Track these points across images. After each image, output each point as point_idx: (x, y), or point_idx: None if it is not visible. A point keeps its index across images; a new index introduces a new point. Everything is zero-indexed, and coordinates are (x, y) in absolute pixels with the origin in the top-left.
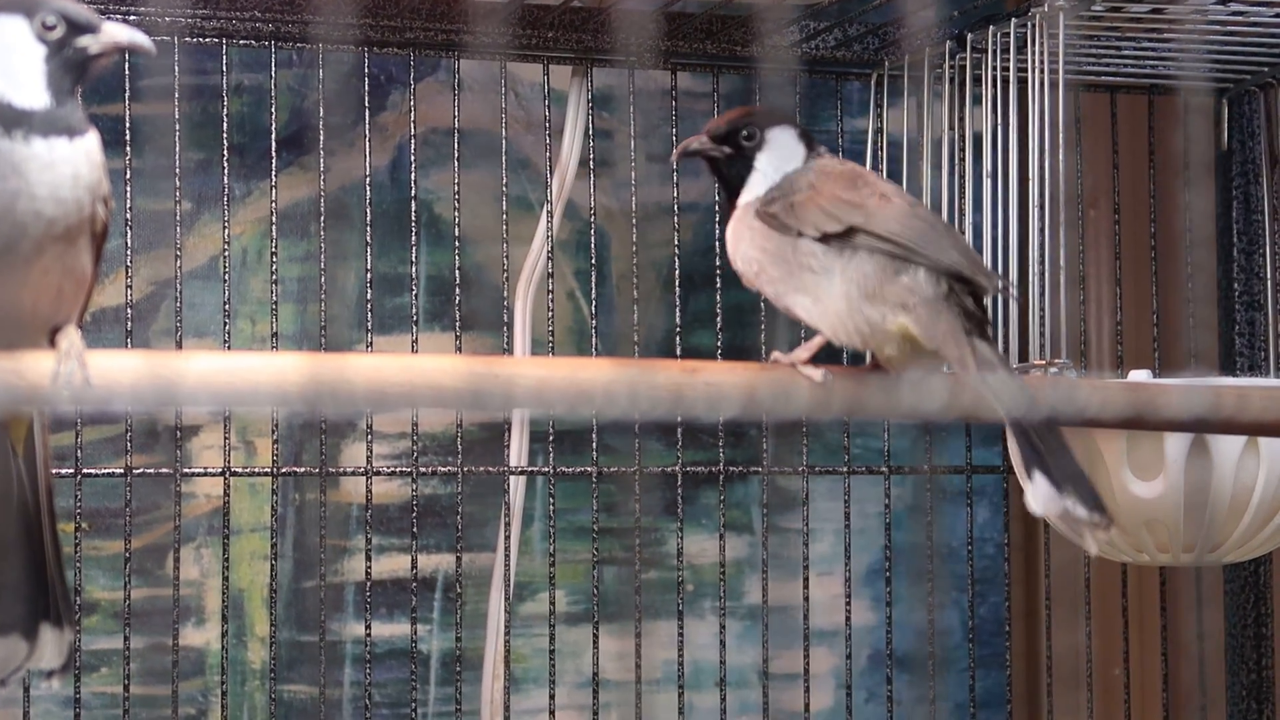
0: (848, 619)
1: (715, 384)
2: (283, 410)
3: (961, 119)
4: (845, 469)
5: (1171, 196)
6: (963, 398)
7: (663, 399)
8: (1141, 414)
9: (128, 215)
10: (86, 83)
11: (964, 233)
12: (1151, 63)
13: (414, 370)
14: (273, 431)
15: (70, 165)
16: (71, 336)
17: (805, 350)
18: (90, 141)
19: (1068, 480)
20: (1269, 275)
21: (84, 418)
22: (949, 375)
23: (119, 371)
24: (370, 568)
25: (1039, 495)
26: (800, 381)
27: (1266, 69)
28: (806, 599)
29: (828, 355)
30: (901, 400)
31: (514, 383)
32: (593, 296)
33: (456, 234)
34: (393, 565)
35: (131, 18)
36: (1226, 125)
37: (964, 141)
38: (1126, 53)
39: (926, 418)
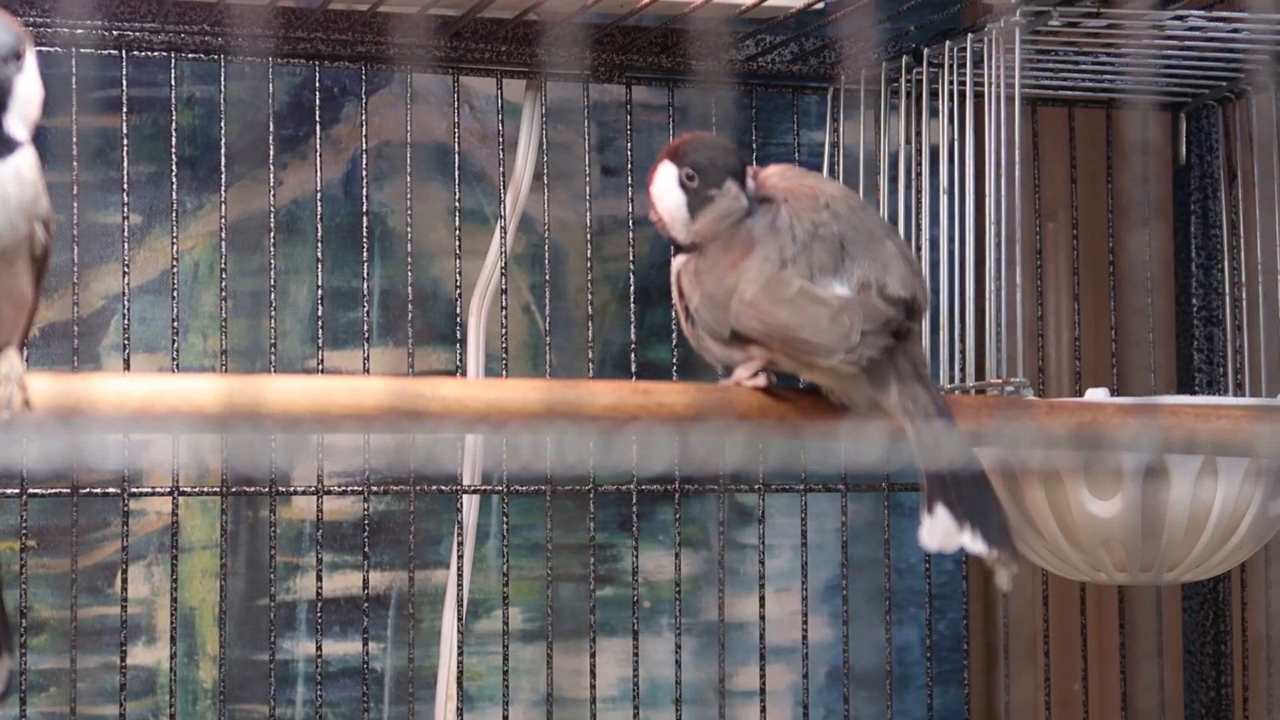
0: (804, 636)
1: (667, 407)
2: (203, 433)
3: (918, 133)
4: (802, 486)
5: (1129, 212)
6: (902, 441)
7: (591, 428)
8: (1088, 446)
9: (74, 230)
10: (12, 102)
11: (919, 249)
12: (1109, 77)
13: (333, 393)
14: (223, 449)
15: None
16: (11, 359)
17: (745, 369)
18: (21, 160)
19: (972, 515)
20: (1227, 291)
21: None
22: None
23: (46, 396)
24: (321, 586)
25: (935, 530)
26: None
27: (1224, 84)
28: (763, 616)
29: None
30: (839, 436)
31: (433, 406)
32: (547, 311)
33: (409, 248)
34: (345, 583)
35: (79, 30)
36: (1185, 140)
37: (920, 156)
38: (1084, 68)
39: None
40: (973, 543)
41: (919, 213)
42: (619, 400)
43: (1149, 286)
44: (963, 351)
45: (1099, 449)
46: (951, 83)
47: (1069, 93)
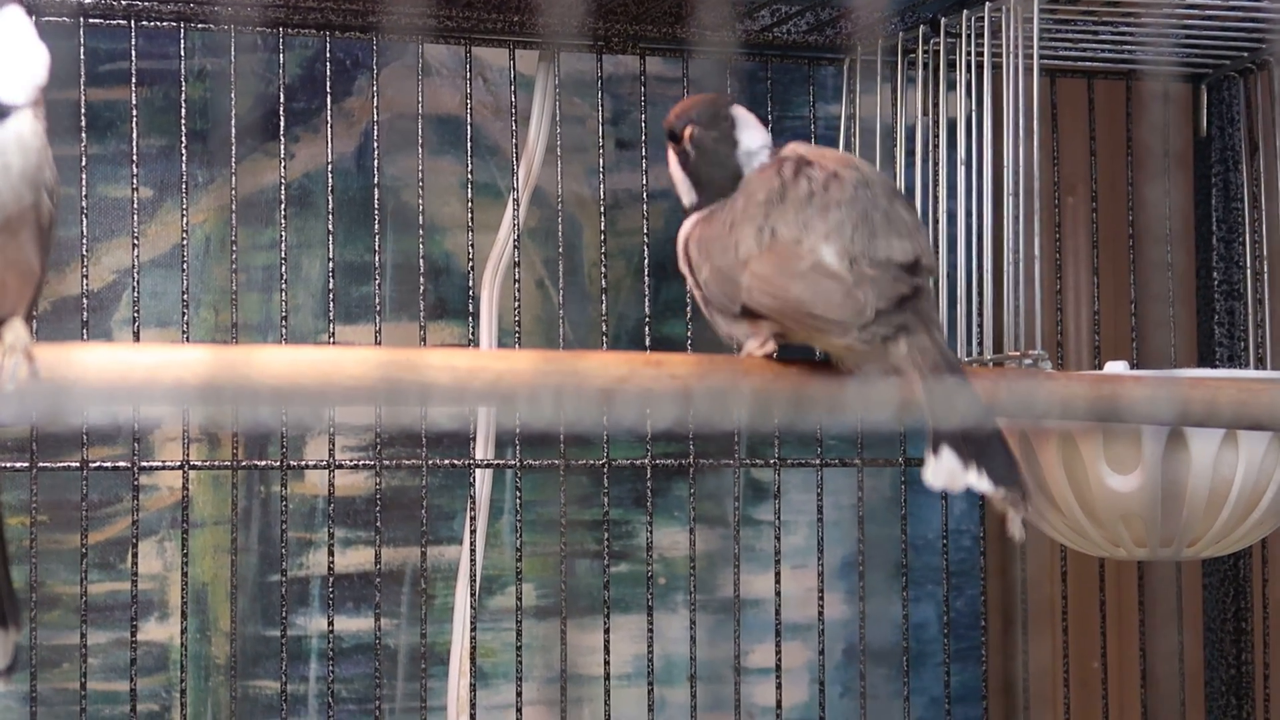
0: (821, 613)
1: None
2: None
3: (935, 105)
4: (818, 461)
5: (1149, 184)
6: (913, 402)
7: (592, 399)
8: (1106, 415)
9: (83, 203)
10: None
11: (936, 222)
12: (1129, 48)
13: (325, 364)
14: (233, 423)
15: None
16: (17, 330)
17: (754, 340)
18: (21, 124)
19: (978, 454)
20: (1248, 264)
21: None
22: (898, 379)
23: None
24: (334, 562)
25: (940, 470)
26: (740, 383)
27: (1246, 54)
28: (779, 593)
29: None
30: (847, 402)
31: (429, 377)
32: (561, 285)
33: (421, 222)
34: (358, 559)
35: (87, 0)
36: (1206, 111)
37: (938, 128)
38: (1103, 38)
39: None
40: (979, 481)
41: (936, 185)
42: (630, 371)
43: (1169, 260)
44: (980, 324)
45: (1117, 418)
46: (969, 53)
47: (1088, 63)
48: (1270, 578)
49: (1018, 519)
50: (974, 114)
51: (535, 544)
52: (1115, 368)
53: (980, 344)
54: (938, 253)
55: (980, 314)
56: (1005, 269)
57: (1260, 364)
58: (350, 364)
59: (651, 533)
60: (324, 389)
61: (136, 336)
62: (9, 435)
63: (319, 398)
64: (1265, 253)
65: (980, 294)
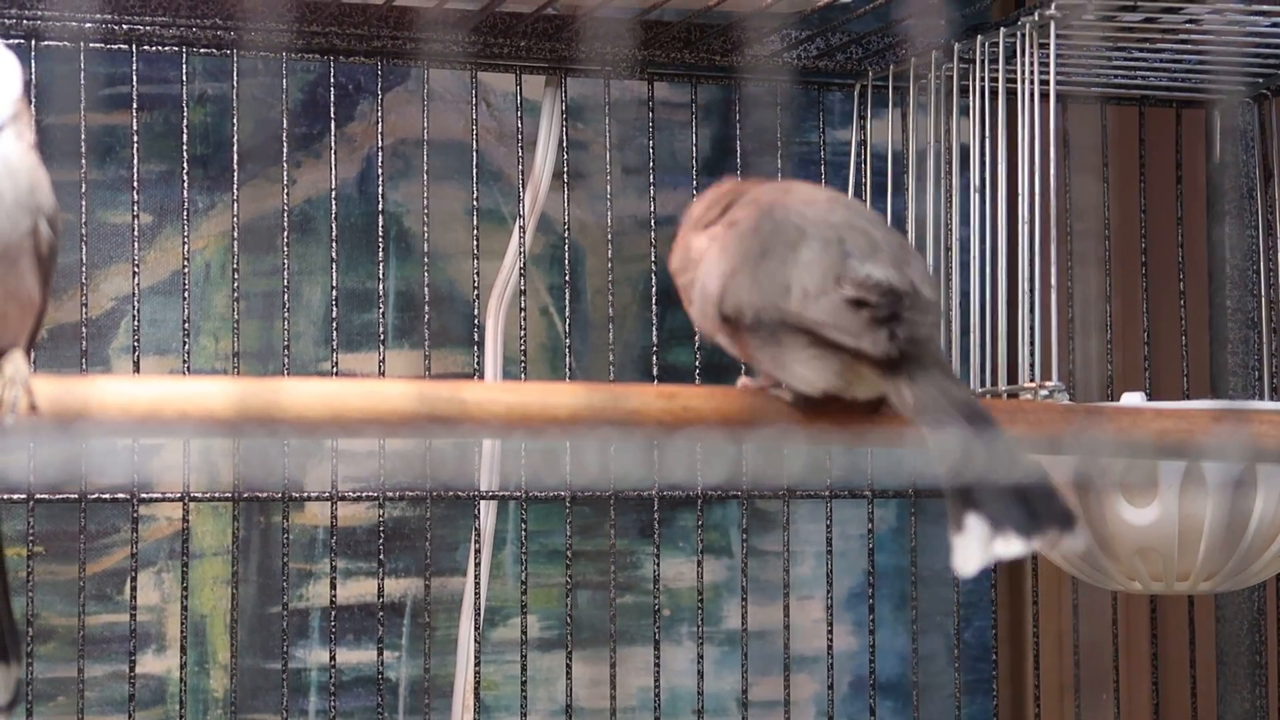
0: (830, 645)
1: (694, 411)
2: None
3: (948, 131)
4: (827, 492)
5: (1163, 212)
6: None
7: (640, 435)
8: (1173, 454)
9: (83, 229)
10: None
11: (948, 249)
12: (1143, 74)
13: (352, 397)
14: (234, 454)
15: None
16: (17, 362)
17: (752, 381)
18: (3, 146)
19: (1007, 509)
20: (1263, 292)
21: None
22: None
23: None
24: (335, 594)
25: (970, 548)
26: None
27: (1261, 80)
28: (788, 625)
29: None
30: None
31: (466, 411)
32: (567, 313)
33: (426, 249)
34: (358, 590)
35: (88, 25)
36: (1219, 138)
37: (950, 154)
38: (1117, 64)
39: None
40: (1007, 546)
41: (949, 213)
42: (642, 405)
43: (1180, 290)
44: (994, 355)
45: (1186, 457)
46: (983, 79)
47: (1102, 90)
48: None
49: (1068, 544)
50: (987, 140)
51: (538, 575)
52: (1132, 399)
53: (994, 374)
54: (949, 281)
55: (994, 344)
56: (1020, 298)
57: (1275, 394)
58: (388, 397)
59: (659, 564)
60: (356, 422)
61: (136, 365)
62: (6, 466)
63: (353, 430)
64: (1279, 280)
65: (994, 324)
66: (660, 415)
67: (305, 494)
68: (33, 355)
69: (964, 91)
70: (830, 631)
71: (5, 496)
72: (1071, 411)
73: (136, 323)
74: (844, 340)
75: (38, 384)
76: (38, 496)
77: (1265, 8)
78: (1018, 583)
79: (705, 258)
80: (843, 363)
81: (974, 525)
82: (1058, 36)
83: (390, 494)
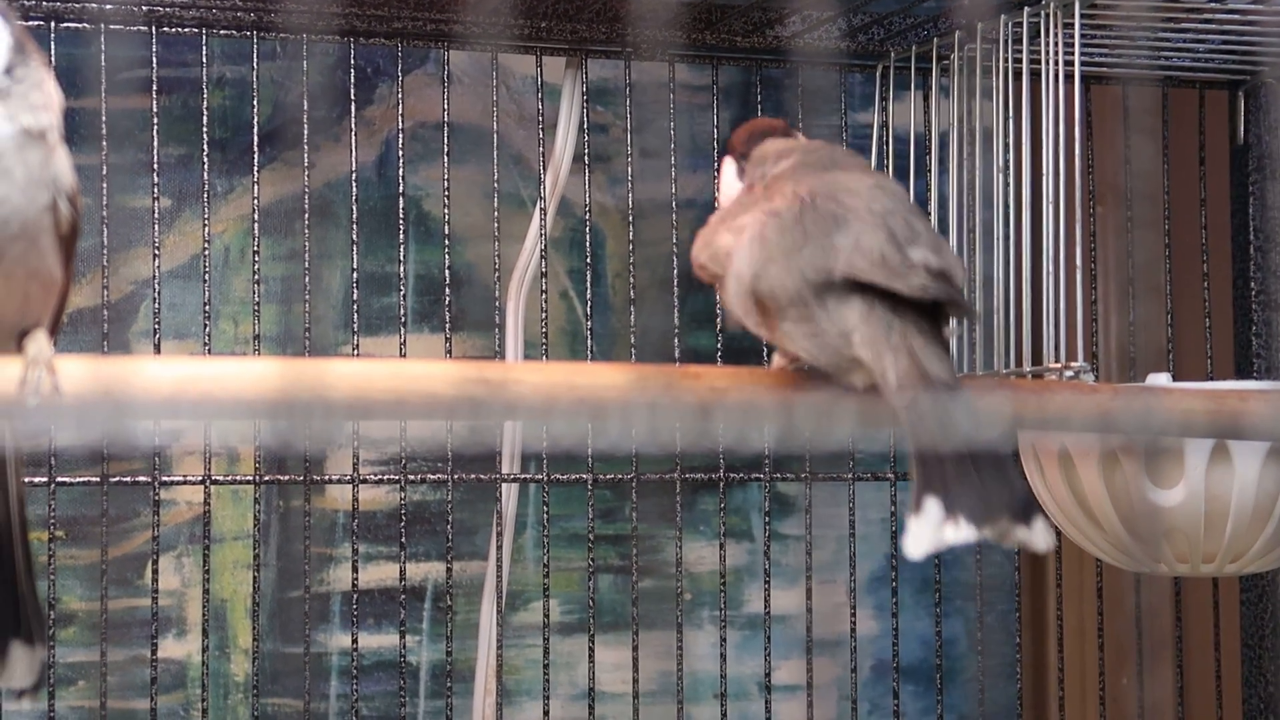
0: (853, 628)
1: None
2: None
3: (970, 112)
4: (850, 475)
5: (1186, 192)
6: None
7: (687, 413)
8: (1226, 431)
9: (103, 213)
10: None
11: (971, 231)
12: (1166, 54)
13: (403, 377)
14: (255, 437)
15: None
16: (40, 341)
17: (779, 358)
18: (19, 122)
19: (965, 496)
20: None
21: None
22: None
23: (78, 380)
24: (357, 577)
25: (922, 531)
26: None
27: None
28: (810, 608)
29: None
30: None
31: (514, 391)
32: (588, 297)
33: (446, 232)
34: (378, 575)
35: (109, 6)
36: (1243, 119)
37: (973, 136)
38: (1140, 44)
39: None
40: (956, 532)
41: (971, 195)
42: (733, 384)
43: (1205, 270)
44: (1019, 336)
45: (1238, 435)
46: (1006, 59)
47: (1124, 70)
48: None
49: (1039, 537)
50: (1010, 121)
51: (558, 559)
52: (1158, 380)
53: (1019, 357)
54: (973, 263)
55: (1019, 325)
56: (1044, 280)
57: None
58: (440, 378)
59: (680, 547)
60: (410, 403)
61: (157, 348)
62: (27, 449)
63: (403, 411)
64: None
65: (1019, 305)
66: (707, 395)
67: (327, 477)
68: (55, 338)
69: (986, 73)
70: (854, 615)
71: (25, 480)
72: (1126, 391)
73: (157, 306)
74: (885, 280)
75: (73, 364)
76: (59, 480)
77: None
78: (1040, 566)
79: (739, 244)
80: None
81: (931, 508)
82: (1082, 16)
83: (412, 477)
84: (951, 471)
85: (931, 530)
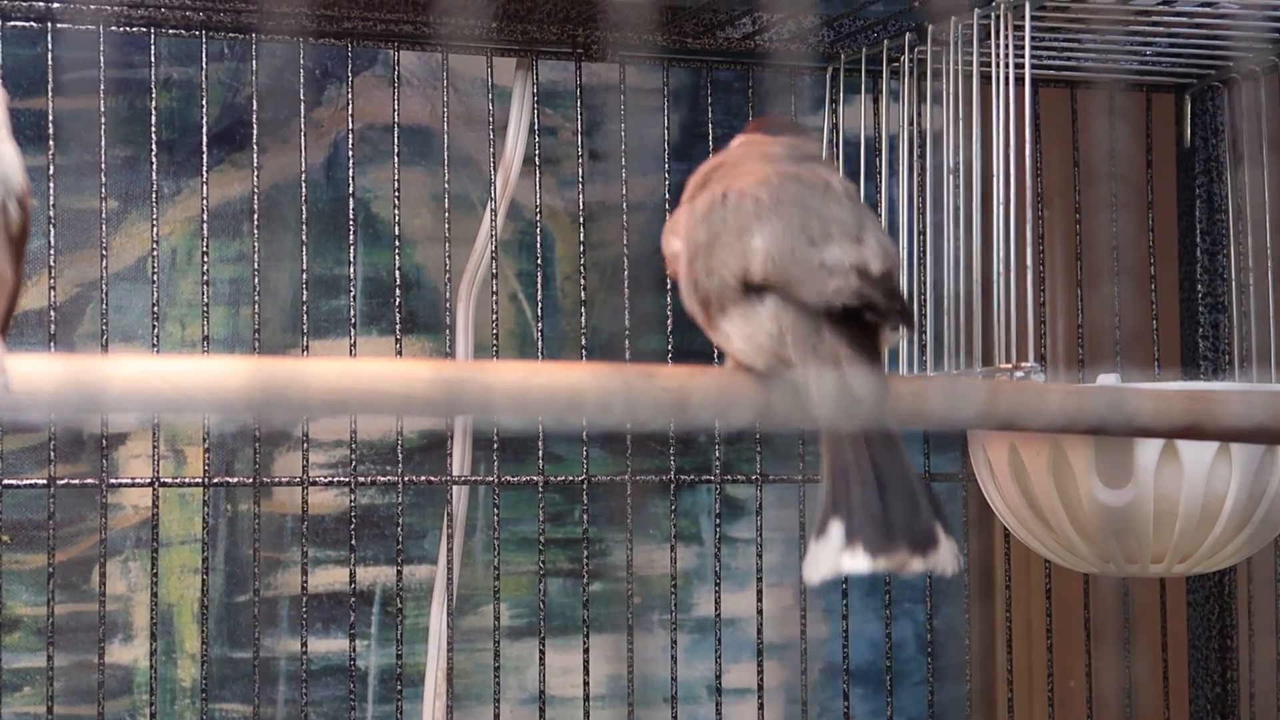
0: (803, 631)
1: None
2: (222, 419)
3: (920, 114)
4: (800, 476)
5: (1133, 195)
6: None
7: (665, 406)
8: (1198, 423)
9: (50, 214)
10: None
11: (922, 233)
12: (1114, 57)
13: (382, 376)
14: (204, 440)
15: None
16: None
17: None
18: None
19: (869, 520)
20: (1233, 276)
21: (3, 426)
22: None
23: (44, 377)
24: (306, 581)
25: (823, 554)
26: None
27: (1230, 64)
28: (761, 610)
29: None
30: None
31: (492, 389)
32: (538, 299)
33: (397, 233)
34: (328, 578)
35: (55, 4)
36: (1189, 122)
37: (923, 138)
38: (1088, 47)
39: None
40: (854, 561)
41: (921, 197)
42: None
43: (1152, 271)
44: (969, 337)
45: (1206, 435)
46: (956, 62)
47: (1071, 73)
48: (1255, 595)
49: (944, 563)
50: (960, 123)
51: (508, 563)
52: (1107, 380)
53: (969, 357)
54: (922, 265)
55: (970, 327)
56: (995, 281)
57: (1245, 377)
58: (414, 378)
59: (631, 550)
60: (381, 402)
61: (105, 350)
62: None
63: (373, 409)
64: (1250, 264)
65: (969, 306)
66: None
67: (276, 479)
68: (4, 337)
69: (936, 75)
70: (804, 618)
71: None
72: (1093, 390)
73: (104, 308)
74: (796, 287)
75: (60, 363)
76: (6, 483)
77: None
78: (989, 569)
79: (671, 241)
80: (774, 336)
81: (834, 533)
82: (1032, 19)
83: (362, 480)
84: (858, 495)
85: (831, 557)
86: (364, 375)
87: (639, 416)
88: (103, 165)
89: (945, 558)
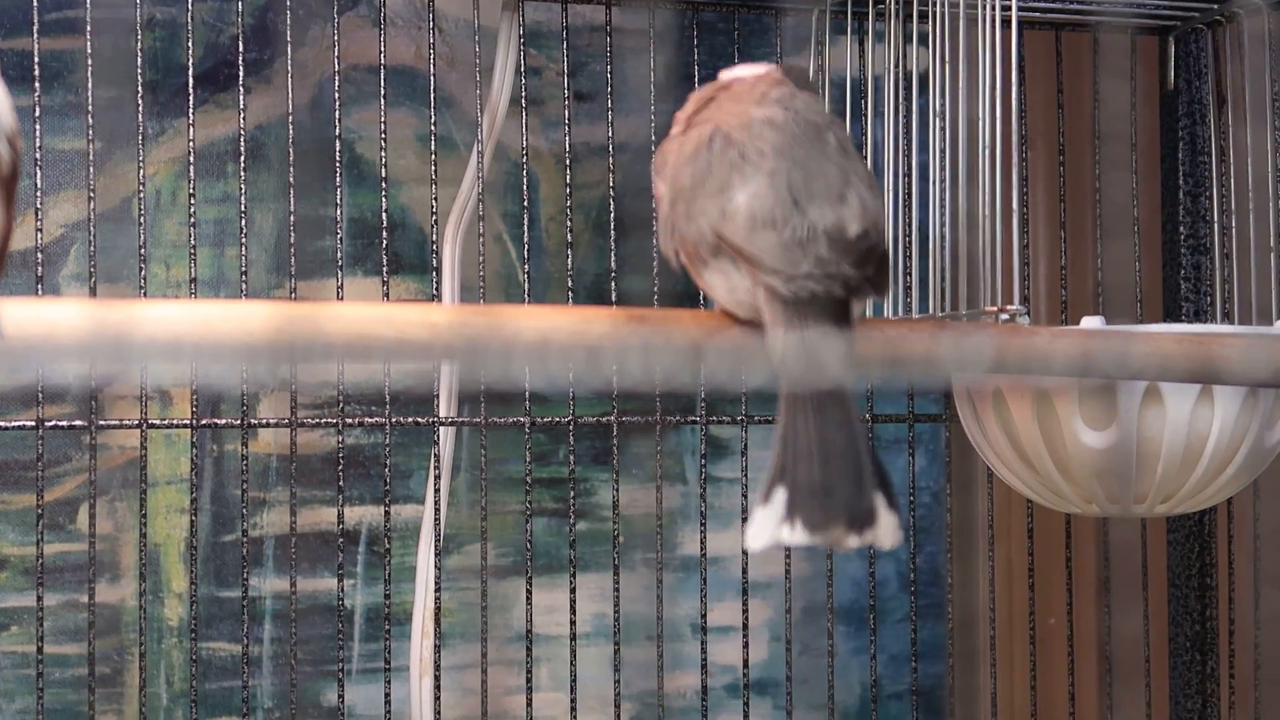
0: (787, 570)
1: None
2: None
3: (905, 56)
4: None
5: (1116, 137)
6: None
7: (683, 355)
8: (1203, 372)
9: (36, 155)
10: None
11: (907, 176)
12: (1099, 0)
13: (399, 322)
14: (191, 381)
15: None
16: None
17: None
18: None
19: (809, 496)
20: (1215, 218)
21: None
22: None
23: (56, 323)
24: (295, 521)
25: (764, 524)
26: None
27: (1215, 6)
28: (745, 550)
29: None
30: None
31: (517, 335)
32: (524, 240)
33: (384, 174)
34: (312, 519)
35: None
36: (1173, 65)
37: (908, 81)
38: None
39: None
40: (791, 534)
41: (907, 139)
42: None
43: (1135, 214)
44: (955, 279)
45: (1215, 378)
46: (941, 4)
47: (1058, 15)
48: (1235, 534)
49: (883, 537)
50: (946, 65)
51: (494, 503)
52: (1091, 323)
53: (954, 300)
54: (909, 208)
55: (955, 269)
56: (980, 223)
57: (1227, 319)
58: (436, 322)
59: (618, 490)
60: (407, 345)
61: (93, 292)
62: None
63: (399, 354)
64: (1233, 207)
65: (955, 248)
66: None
67: (265, 420)
68: None
69: (922, 17)
70: (788, 557)
71: None
72: (1103, 334)
73: (93, 250)
74: (764, 273)
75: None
76: None
77: None
78: (969, 507)
79: (660, 178)
80: (751, 294)
81: (777, 501)
82: None
83: (349, 421)
84: (804, 466)
85: (772, 527)
86: (393, 320)
87: (658, 371)
88: (89, 106)
89: (883, 533)
